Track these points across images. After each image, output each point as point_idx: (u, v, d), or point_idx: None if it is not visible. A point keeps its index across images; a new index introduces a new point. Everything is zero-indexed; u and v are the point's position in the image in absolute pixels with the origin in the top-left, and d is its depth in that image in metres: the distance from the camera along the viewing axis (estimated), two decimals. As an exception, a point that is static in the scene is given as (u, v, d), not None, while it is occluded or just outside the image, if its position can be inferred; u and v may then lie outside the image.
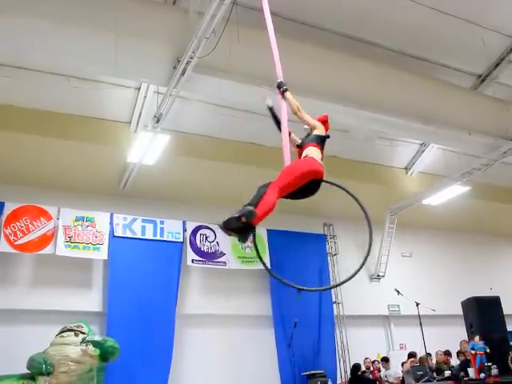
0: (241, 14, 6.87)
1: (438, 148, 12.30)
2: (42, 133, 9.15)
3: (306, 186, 3.87)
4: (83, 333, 8.09)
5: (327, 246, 13.22)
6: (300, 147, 4.32)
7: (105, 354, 7.96)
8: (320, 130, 4.29)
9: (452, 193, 11.92)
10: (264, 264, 4.43)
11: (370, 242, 3.97)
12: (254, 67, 7.31)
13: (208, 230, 11.52)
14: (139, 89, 9.27)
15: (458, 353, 11.21)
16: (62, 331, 8.14)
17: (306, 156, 4.06)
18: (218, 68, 7.10)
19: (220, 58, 6.88)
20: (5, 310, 9.36)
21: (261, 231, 11.90)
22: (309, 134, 4.31)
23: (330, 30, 9.16)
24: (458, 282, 13.99)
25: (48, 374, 7.51)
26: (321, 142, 4.25)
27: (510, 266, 15.87)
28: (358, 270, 3.91)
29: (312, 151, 4.11)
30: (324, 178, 3.91)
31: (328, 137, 4.33)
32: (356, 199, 3.95)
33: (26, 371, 7.70)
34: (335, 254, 13.19)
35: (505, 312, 10.41)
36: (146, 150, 8.94)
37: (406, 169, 13.16)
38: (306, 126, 4.39)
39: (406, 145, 12.42)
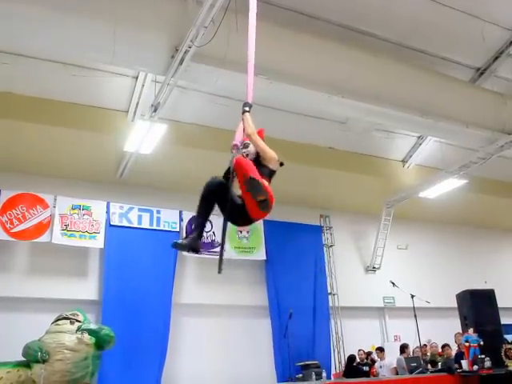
0: (240, 4, 6.83)
1: (435, 141, 12.29)
2: (40, 120, 9.11)
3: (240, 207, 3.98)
4: (79, 321, 8.09)
5: (323, 237, 13.22)
6: None
7: (100, 343, 7.97)
8: (273, 164, 4.18)
9: (449, 186, 11.94)
10: None
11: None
12: (253, 57, 7.27)
13: (204, 220, 11.50)
14: (137, 77, 9.22)
15: (443, 346, 11.16)
16: (58, 319, 8.13)
17: None
18: (216, 57, 7.05)
19: (218, 47, 6.83)
20: (0, 297, 9.36)
21: (257, 222, 11.88)
22: (260, 163, 4.14)
23: (327, 21, 9.08)
24: (453, 274, 14.02)
25: (43, 361, 7.51)
26: (271, 176, 4.18)
27: (506, 259, 15.96)
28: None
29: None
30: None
31: (276, 170, 4.22)
32: None
33: (22, 359, 7.71)
34: (331, 246, 13.23)
35: (499, 305, 10.48)
36: (143, 139, 8.93)
37: (403, 161, 13.14)
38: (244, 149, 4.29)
39: (404, 137, 12.42)
